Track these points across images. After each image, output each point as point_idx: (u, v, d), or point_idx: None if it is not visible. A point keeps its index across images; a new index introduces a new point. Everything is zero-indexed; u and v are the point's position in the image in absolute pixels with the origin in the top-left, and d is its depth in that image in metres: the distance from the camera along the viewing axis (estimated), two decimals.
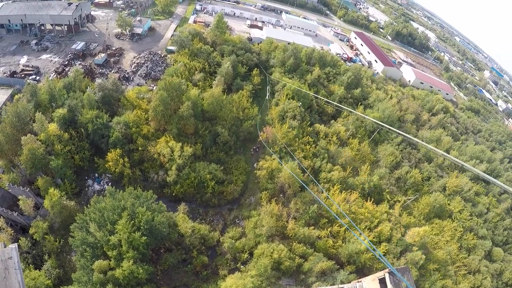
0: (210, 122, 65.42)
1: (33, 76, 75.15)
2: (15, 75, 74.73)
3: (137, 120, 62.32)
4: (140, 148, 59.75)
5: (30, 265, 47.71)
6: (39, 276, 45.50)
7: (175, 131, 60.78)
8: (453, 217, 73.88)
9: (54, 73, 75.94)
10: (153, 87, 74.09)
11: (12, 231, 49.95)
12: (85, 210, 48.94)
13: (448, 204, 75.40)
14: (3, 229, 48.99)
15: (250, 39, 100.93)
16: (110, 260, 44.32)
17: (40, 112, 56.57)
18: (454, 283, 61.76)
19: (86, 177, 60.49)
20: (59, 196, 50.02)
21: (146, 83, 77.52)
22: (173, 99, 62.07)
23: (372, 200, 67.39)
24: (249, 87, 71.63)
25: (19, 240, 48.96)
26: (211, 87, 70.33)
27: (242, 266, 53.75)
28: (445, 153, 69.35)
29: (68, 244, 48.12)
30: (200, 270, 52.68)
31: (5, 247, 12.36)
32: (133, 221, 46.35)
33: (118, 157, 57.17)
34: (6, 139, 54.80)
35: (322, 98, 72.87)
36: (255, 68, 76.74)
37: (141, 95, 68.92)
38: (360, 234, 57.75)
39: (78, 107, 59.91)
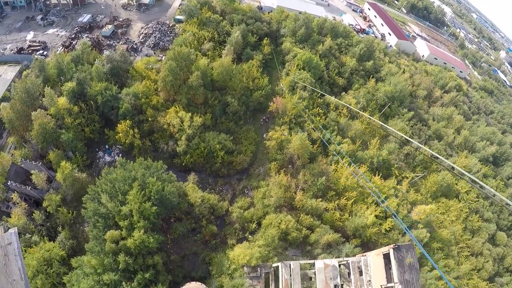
0: (219, 92, 64.56)
1: (41, 52, 74.43)
2: (22, 52, 74.16)
3: (146, 91, 61.77)
4: (149, 119, 59.61)
5: (45, 237, 49.59)
6: (53, 247, 47.45)
7: (184, 101, 60.25)
8: (459, 198, 73.83)
9: (61, 47, 75.03)
10: (162, 58, 72.81)
11: (26, 205, 51.41)
12: (97, 182, 49.81)
13: (456, 184, 75.06)
14: (18, 203, 50.43)
15: (260, 8, 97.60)
16: (122, 230, 45.50)
17: (49, 87, 56.59)
18: (456, 263, 62.62)
19: (97, 149, 61.14)
20: (70, 168, 50.99)
21: (154, 53, 76.16)
22: (182, 69, 61.05)
23: (380, 174, 67.25)
24: (259, 57, 69.95)
25: (33, 214, 50.60)
26: (221, 56, 68.85)
27: (250, 236, 54.92)
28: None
29: (81, 215, 49.59)
30: (209, 239, 54.02)
31: (4, 231, 11.69)
32: (143, 191, 47.15)
33: (128, 128, 57.32)
34: (17, 115, 55.46)
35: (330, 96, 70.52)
36: (266, 38, 74.54)
37: (150, 66, 67.91)
38: (383, 201, 57.58)
39: (86, 79, 59.63)
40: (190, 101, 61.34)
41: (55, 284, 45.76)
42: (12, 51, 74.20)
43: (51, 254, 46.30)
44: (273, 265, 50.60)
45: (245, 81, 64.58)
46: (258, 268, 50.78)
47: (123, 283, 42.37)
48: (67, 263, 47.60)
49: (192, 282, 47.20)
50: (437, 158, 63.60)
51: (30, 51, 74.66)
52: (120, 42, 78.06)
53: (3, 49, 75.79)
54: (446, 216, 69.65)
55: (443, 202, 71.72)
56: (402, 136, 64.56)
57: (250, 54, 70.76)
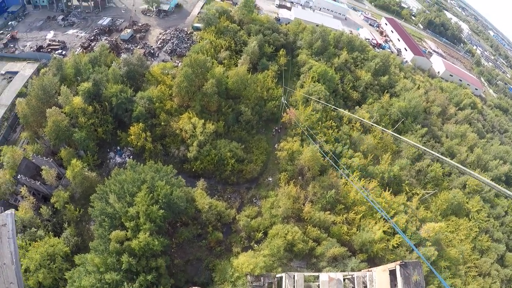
0: (233, 101, 65.27)
1: (59, 51, 76.78)
2: (41, 50, 76.64)
3: (161, 96, 62.87)
4: (162, 123, 60.52)
5: (50, 232, 50.19)
6: (58, 243, 47.95)
7: (198, 107, 61.08)
8: (470, 216, 72.00)
9: (80, 48, 77.27)
10: (178, 64, 74.20)
11: (34, 199, 52.28)
12: (106, 182, 50.44)
13: (467, 203, 73.35)
14: (26, 197, 51.33)
15: (278, 19, 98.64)
16: (127, 231, 45.81)
17: (66, 86, 58.04)
18: (463, 283, 60.80)
19: (108, 150, 62.20)
20: (81, 167, 51.73)
21: (171, 59, 77.72)
22: (198, 76, 62.02)
23: (391, 190, 66.40)
24: (274, 68, 70.57)
25: (41, 208, 51.39)
26: (236, 65, 69.75)
27: (255, 245, 54.67)
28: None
29: (88, 213, 50.19)
30: (214, 245, 53.98)
31: (1, 212, 11.52)
32: (152, 194, 47.55)
33: (141, 131, 58.23)
34: (32, 111, 56.90)
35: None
36: (282, 49, 75.24)
37: (166, 71, 69.29)
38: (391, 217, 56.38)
39: (103, 81, 60.98)
40: (204, 108, 62.15)
41: (56, 279, 46.09)
42: (32, 49, 76.79)
43: (55, 250, 46.85)
44: (277, 275, 50.14)
45: (260, 91, 65.16)
46: (262, 278, 50.40)
47: (125, 283, 42.51)
48: (70, 260, 47.99)
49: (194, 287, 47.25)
50: (458, 168, 62.34)
51: (49, 49, 77.25)
52: (138, 46, 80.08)
53: (23, 46, 78.54)
54: (455, 235, 68.10)
55: (452, 221, 70.18)
56: (419, 148, 64.03)
57: (266, 65, 71.46)
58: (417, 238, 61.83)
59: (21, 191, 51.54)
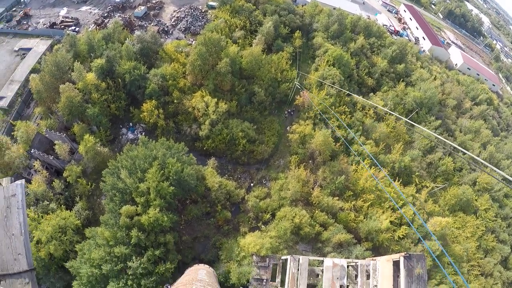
0: (247, 81, 64.44)
1: (73, 28, 76.36)
2: (54, 27, 76.26)
3: (174, 73, 62.28)
4: (175, 101, 60.23)
5: (62, 206, 51.11)
6: (69, 216, 48.91)
7: (211, 86, 60.48)
8: (477, 214, 71.00)
9: (93, 25, 76.72)
10: (192, 42, 73.18)
11: (47, 173, 53.08)
12: (118, 157, 50.77)
13: (476, 200, 72.26)
14: (39, 171, 52.10)
15: (294, 0, 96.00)
16: (137, 206, 46.26)
17: (79, 62, 57.82)
18: (465, 281, 60.50)
19: (121, 126, 62.48)
20: (93, 142, 52.06)
21: (185, 37, 76.69)
22: (212, 55, 61.14)
23: (400, 180, 65.67)
24: (289, 49, 69.18)
25: (53, 182, 52.26)
26: (251, 45, 68.52)
27: (263, 226, 54.98)
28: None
29: (99, 188, 50.71)
30: (222, 224, 54.43)
31: (12, 182, 11.23)
32: (162, 171, 47.73)
33: (153, 108, 58.09)
34: (45, 87, 57.17)
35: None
36: (297, 31, 73.59)
37: (180, 49, 68.46)
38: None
39: (116, 58, 60.63)
40: (217, 87, 61.52)
41: (67, 251, 47.24)
42: (45, 26, 76.60)
43: (67, 222, 47.83)
44: (282, 257, 50.54)
45: (274, 72, 64.14)
46: (267, 259, 50.91)
47: (133, 257, 43.39)
48: (81, 233, 49.05)
49: (200, 264, 47.82)
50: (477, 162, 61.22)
51: (62, 26, 76.86)
52: (152, 24, 79.00)
53: (36, 23, 78.42)
54: (461, 232, 67.44)
55: (460, 217, 69.33)
56: (437, 137, 62.60)
57: (281, 46, 70.09)
58: (423, 231, 61.48)
59: (34, 165, 52.38)
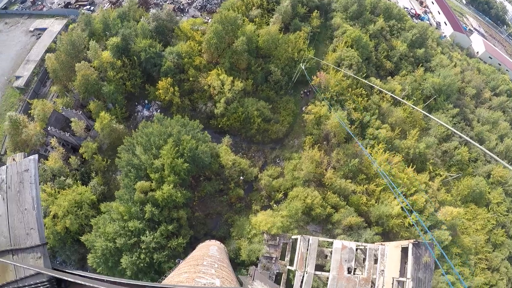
0: (263, 60, 63.74)
1: (88, 7, 76.38)
2: (69, 6, 76.31)
3: (190, 51, 61.99)
4: (191, 79, 60.20)
5: (78, 181, 52.53)
6: (85, 191, 50.27)
7: (227, 64, 60.11)
8: (489, 207, 69.53)
9: (108, 3, 76.39)
10: (208, 20, 72.33)
11: (64, 150, 54.31)
12: (133, 134, 51.55)
13: (488, 193, 70.62)
14: (56, 148, 53.25)
15: None
16: (152, 182, 47.13)
17: (94, 41, 57.97)
18: (471, 274, 60.05)
19: (136, 103, 63.02)
20: (109, 119, 52.81)
21: (201, 15, 75.87)
22: (228, 33, 60.40)
23: (414, 167, 64.84)
24: (307, 29, 67.66)
25: (69, 158, 53.53)
26: (268, 24, 67.33)
27: (275, 205, 55.49)
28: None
29: (114, 164, 51.92)
30: (235, 202, 55.22)
31: (25, 157, 11.29)
32: (177, 148, 48.23)
33: (169, 86, 58.23)
34: (61, 66, 57.87)
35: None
36: (316, 10, 71.80)
37: (196, 27, 67.81)
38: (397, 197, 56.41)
39: (131, 36, 60.49)
40: (233, 65, 61.05)
41: (82, 226, 48.82)
42: (60, 5, 76.78)
43: (82, 197, 49.22)
44: (293, 236, 51.21)
45: (290, 52, 63.07)
46: (277, 237, 51.64)
47: (147, 232, 44.56)
48: (96, 207, 50.46)
49: (212, 240, 48.81)
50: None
51: (77, 6, 76.91)
52: (167, 2, 78.05)
53: (51, 3, 78.60)
54: (471, 223, 66.59)
55: (471, 208, 68.20)
56: (449, 129, 61.55)
57: (298, 25, 68.62)
58: (434, 220, 60.99)
59: (51, 142, 53.59)
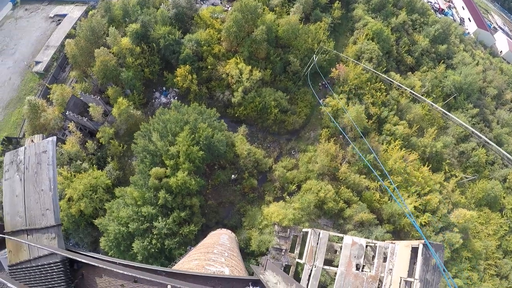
0: (282, 50, 62.88)
1: None
2: None
3: (209, 39, 61.52)
4: (209, 67, 59.89)
5: (94, 166, 52.98)
6: (100, 175, 50.69)
7: (246, 53, 59.55)
8: (503, 213, 67.93)
9: None
10: (228, 8, 71.52)
11: (81, 134, 54.85)
12: (150, 120, 51.59)
13: (503, 198, 68.91)
14: (73, 132, 53.84)
15: None
16: (167, 169, 47.19)
17: (114, 27, 58.01)
18: (480, 279, 59.06)
19: (154, 90, 63.18)
20: (127, 105, 52.90)
21: (221, 3, 75.07)
22: (248, 22, 59.66)
23: (430, 166, 63.72)
24: (327, 20, 66.36)
25: (86, 143, 54.06)
26: (288, 14, 66.25)
27: (287, 197, 55.34)
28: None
29: (130, 149, 51.97)
30: (248, 192, 55.17)
31: (43, 139, 11.20)
32: (193, 135, 48.08)
33: (187, 73, 57.97)
34: (80, 52, 58.08)
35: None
36: (337, 1, 70.27)
37: (215, 15, 67.21)
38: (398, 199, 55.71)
39: (151, 22, 60.28)
40: (252, 54, 60.43)
41: (96, 209, 49.38)
42: None
43: (98, 182, 49.64)
44: (303, 229, 51.08)
45: (310, 43, 62.09)
46: (288, 230, 51.62)
47: (159, 218, 44.83)
48: (110, 192, 50.84)
49: (223, 229, 48.92)
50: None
51: None
52: None
53: None
54: (484, 228, 65.21)
55: (485, 212, 66.62)
56: (467, 129, 60.14)
57: (319, 16, 67.31)
58: (446, 221, 59.98)
59: (69, 127, 54.20)
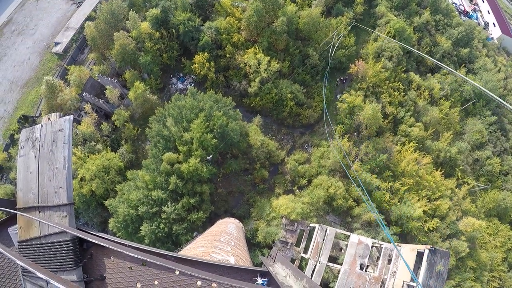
0: (302, 42, 62.17)
1: None
2: None
3: (228, 28, 61.11)
4: (227, 55, 59.65)
5: (108, 147, 53.64)
6: (113, 157, 51.25)
7: (265, 44, 59.02)
8: None
9: None
10: None
11: (97, 116, 55.44)
12: (165, 105, 51.67)
13: None
14: (89, 113, 54.49)
15: None
16: (179, 155, 47.40)
17: (134, 11, 58.05)
18: None
19: (171, 75, 63.35)
20: (143, 89, 53.18)
21: None
22: (269, 12, 59.04)
23: (443, 171, 62.76)
24: (349, 15, 65.33)
25: (101, 125, 54.60)
26: (310, 6, 65.25)
27: (297, 191, 55.28)
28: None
29: (144, 133, 52.40)
30: (258, 182, 55.27)
31: (60, 117, 11.09)
32: (208, 123, 48.20)
33: (205, 61, 57.87)
34: (100, 34, 58.39)
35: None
36: None
37: (236, 4, 66.67)
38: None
39: (171, 8, 60.12)
40: (271, 45, 59.95)
41: (108, 190, 50.01)
42: None
43: (110, 163, 50.23)
44: (311, 224, 50.97)
45: (331, 37, 61.39)
46: (296, 223, 51.56)
47: (169, 202, 45.17)
48: (122, 174, 51.48)
49: (231, 218, 49.19)
50: None
51: None
52: None
53: None
54: (491, 239, 64.04)
55: (494, 223, 65.35)
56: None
57: (341, 10, 66.26)
58: (454, 229, 59.13)
59: (85, 108, 54.91)
